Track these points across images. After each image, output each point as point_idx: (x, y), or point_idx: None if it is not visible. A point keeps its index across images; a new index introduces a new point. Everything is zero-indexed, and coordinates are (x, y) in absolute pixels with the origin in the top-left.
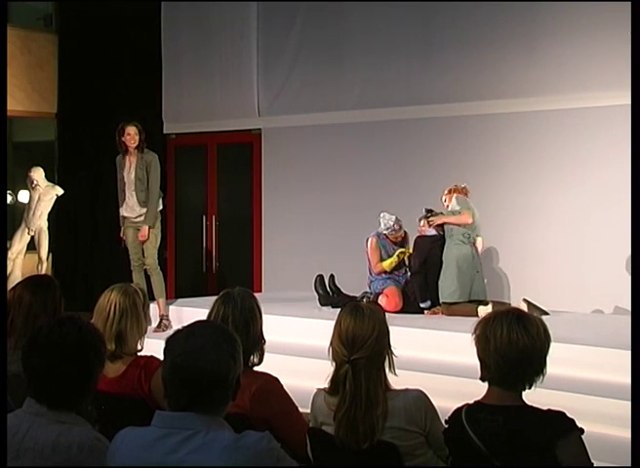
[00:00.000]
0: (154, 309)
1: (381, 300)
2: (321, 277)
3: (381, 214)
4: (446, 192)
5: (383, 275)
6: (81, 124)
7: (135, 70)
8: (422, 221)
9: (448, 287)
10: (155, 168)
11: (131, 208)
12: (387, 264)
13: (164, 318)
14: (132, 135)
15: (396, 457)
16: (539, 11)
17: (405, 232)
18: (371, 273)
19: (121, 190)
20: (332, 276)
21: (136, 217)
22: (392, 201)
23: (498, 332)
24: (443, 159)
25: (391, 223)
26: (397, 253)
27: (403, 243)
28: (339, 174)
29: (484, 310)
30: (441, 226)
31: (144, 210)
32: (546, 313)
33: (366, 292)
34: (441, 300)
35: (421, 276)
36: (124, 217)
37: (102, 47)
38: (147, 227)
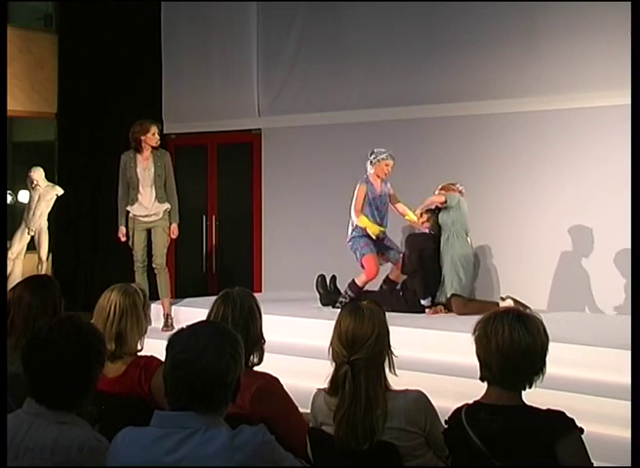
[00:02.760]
0: (159, 309)
1: (361, 275)
2: (323, 277)
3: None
4: (440, 188)
5: (364, 236)
6: (81, 124)
7: (135, 70)
8: (418, 213)
9: (459, 280)
10: (170, 165)
11: (144, 206)
12: (368, 225)
13: (169, 317)
14: (155, 134)
15: (396, 458)
16: (538, 11)
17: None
18: (352, 227)
19: (131, 188)
20: (333, 277)
21: (146, 216)
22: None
23: (499, 332)
24: (442, 158)
25: (382, 151)
26: (378, 231)
27: (389, 196)
28: (339, 173)
29: (507, 305)
30: (436, 223)
31: (162, 206)
32: (528, 308)
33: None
34: (450, 293)
35: (421, 273)
36: (133, 217)
37: (102, 47)
38: (177, 224)
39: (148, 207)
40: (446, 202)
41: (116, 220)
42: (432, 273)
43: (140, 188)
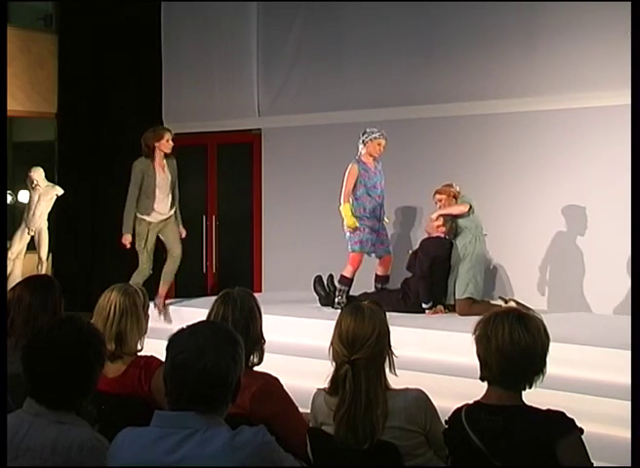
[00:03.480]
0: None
1: (347, 267)
2: (320, 277)
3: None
4: (436, 191)
5: (361, 230)
6: (81, 124)
7: (135, 70)
8: (434, 217)
9: (475, 282)
10: (176, 171)
11: (160, 213)
12: (347, 216)
13: (162, 299)
14: (169, 140)
15: (396, 457)
16: (538, 10)
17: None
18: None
19: (145, 197)
20: (330, 276)
21: (159, 223)
22: (392, 201)
23: (499, 332)
24: (442, 158)
25: (375, 130)
26: (353, 225)
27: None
28: (338, 174)
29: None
30: (453, 228)
31: (172, 210)
32: (530, 310)
33: (366, 292)
34: (464, 296)
35: (429, 279)
36: (148, 223)
37: (102, 47)
38: (182, 226)
39: (164, 213)
40: (471, 208)
41: (121, 226)
42: (439, 279)
43: (158, 195)
